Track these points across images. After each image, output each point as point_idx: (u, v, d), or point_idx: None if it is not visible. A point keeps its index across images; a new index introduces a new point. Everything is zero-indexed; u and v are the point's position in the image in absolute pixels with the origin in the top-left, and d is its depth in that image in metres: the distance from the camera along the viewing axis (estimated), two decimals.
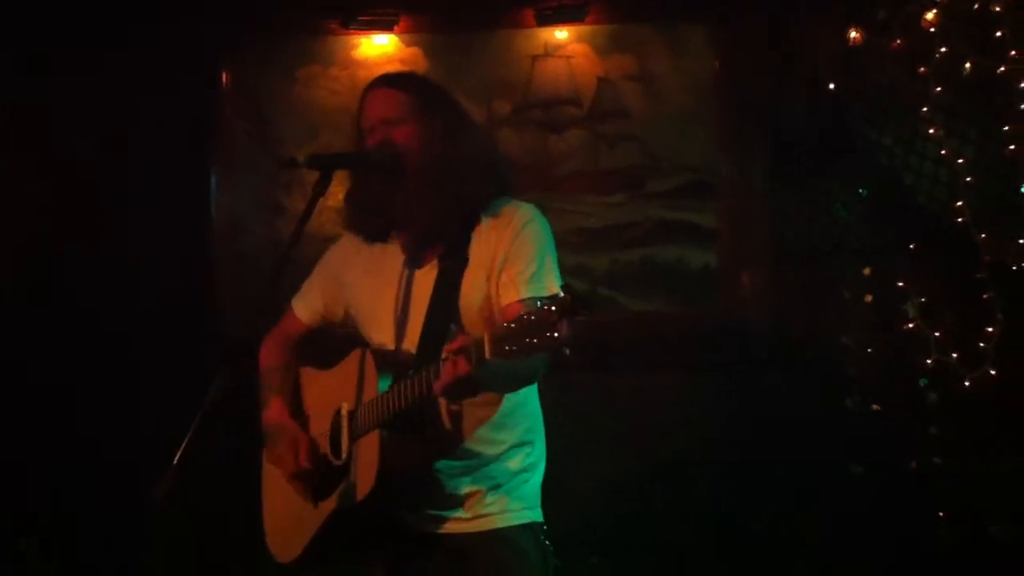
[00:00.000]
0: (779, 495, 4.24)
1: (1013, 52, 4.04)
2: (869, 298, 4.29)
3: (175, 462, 2.11)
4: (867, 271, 4.31)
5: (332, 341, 2.75)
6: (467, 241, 2.46)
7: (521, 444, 2.52)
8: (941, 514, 4.08)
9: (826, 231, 4.44)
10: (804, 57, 4.51)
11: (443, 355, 2.13)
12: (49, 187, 4.40)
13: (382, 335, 2.54)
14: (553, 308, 1.90)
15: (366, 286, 2.61)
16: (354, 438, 2.42)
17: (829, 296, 4.38)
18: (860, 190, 4.39)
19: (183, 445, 2.12)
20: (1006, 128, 4.06)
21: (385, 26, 4.78)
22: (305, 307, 2.77)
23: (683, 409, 4.47)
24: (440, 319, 2.42)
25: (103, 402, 4.29)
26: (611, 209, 4.77)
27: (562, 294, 1.91)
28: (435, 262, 2.48)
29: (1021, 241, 4.01)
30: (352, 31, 4.80)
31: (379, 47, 4.83)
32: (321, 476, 2.49)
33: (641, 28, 4.82)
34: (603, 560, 4.24)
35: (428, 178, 2.44)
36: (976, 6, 4.11)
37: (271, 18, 4.80)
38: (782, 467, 4.23)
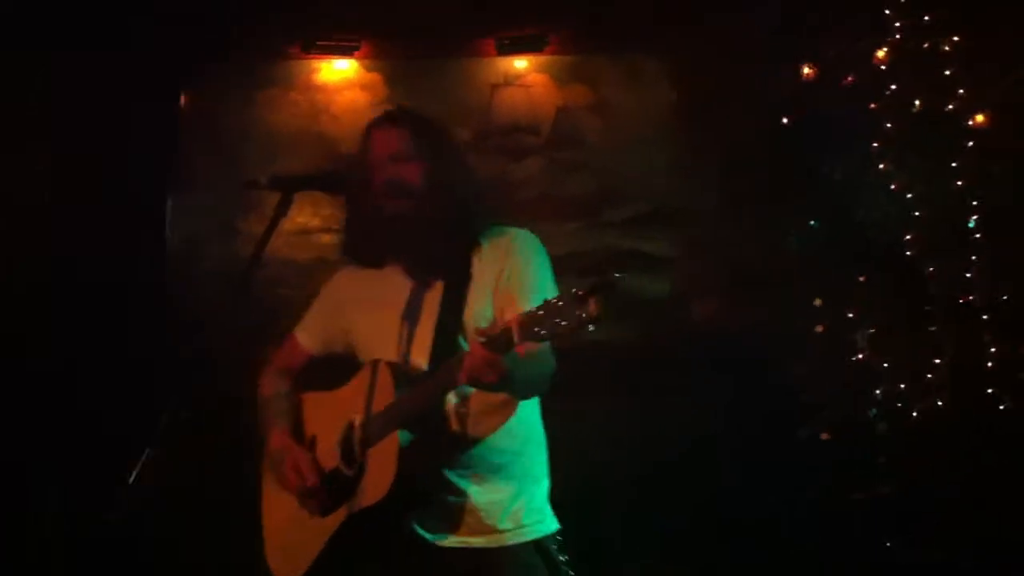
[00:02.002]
0: (730, 519, 4.27)
1: (961, 90, 4.14)
2: (820, 328, 4.35)
3: (130, 483, 2.10)
4: (818, 302, 4.37)
5: (333, 365, 2.82)
6: (469, 262, 2.59)
7: (525, 453, 2.60)
8: (887, 543, 4.13)
9: (779, 261, 4.49)
10: (758, 90, 4.57)
11: (476, 338, 2.23)
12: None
13: (387, 353, 2.60)
14: (581, 292, 2.03)
15: (367, 309, 2.70)
16: (367, 446, 2.48)
17: (781, 325, 4.43)
18: (812, 221, 4.46)
19: (138, 467, 2.11)
20: (954, 164, 4.15)
21: (346, 51, 4.81)
22: (308, 336, 2.85)
23: (634, 433, 4.49)
24: (449, 334, 2.52)
25: (51, 427, 4.24)
26: (568, 237, 4.81)
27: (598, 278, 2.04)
28: (440, 283, 2.60)
29: (968, 274, 4.10)
30: (313, 56, 4.82)
31: (340, 72, 4.85)
32: (330, 490, 2.55)
33: (599, 59, 4.89)
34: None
35: (433, 210, 2.57)
36: (926, 45, 4.21)
37: (231, 42, 4.80)
38: (733, 493, 4.27)
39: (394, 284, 2.65)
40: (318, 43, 4.78)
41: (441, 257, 2.59)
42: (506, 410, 2.54)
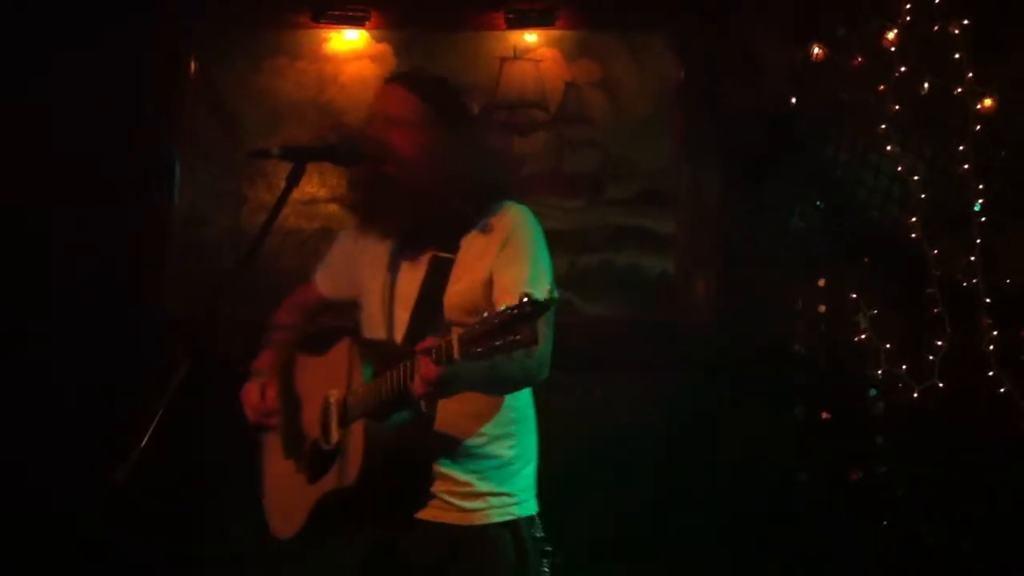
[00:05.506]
0: (724, 498, 4.30)
1: (970, 74, 4.14)
2: (823, 308, 4.37)
3: (140, 446, 2.10)
4: (822, 282, 4.39)
5: (323, 329, 2.82)
6: (457, 244, 2.53)
7: (503, 436, 2.57)
8: (884, 522, 4.17)
9: (780, 241, 4.50)
10: (765, 69, 4.57)
11: (422, 354, 2.19)
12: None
13: (373, 326, 2.64)
14: (516, 312, 1.99)
15: (366, 275, 2.69)
16: (343, 424, 2.48)
17: (781, 304, 4.44)
18: (816, 202, 4.48)
19: (149, 430, 2.11)
20: (960, 148, 4.16)
21: (355, 22, 4.79)
22: (323, 279, 2.86)
23: (633, 412, 4.51)
24: (426, 316, 2.49)
25: (54, 397, 4.28)
26: (572, 213, 4.81)
27: (526, 299, 1.99)
28: (426, 260, 2.56)
29: (971, 258, 4.11)
30: (322, 25, 4.82)
31: (348, 42, 4.84)
32: (312, 460, 2.57)
33: (608, 35, 4.87)
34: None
35: (422, 188, 2.49)
36: (936, 28, 4.21)
37: (240, 9, 4.80)
38: (728, 471, 4.29)
39: (385, 252, 2.64)
40: (328, 12, 4.77)
41: (426, 237, 2.54)
42: (479, 399, 2.52)
